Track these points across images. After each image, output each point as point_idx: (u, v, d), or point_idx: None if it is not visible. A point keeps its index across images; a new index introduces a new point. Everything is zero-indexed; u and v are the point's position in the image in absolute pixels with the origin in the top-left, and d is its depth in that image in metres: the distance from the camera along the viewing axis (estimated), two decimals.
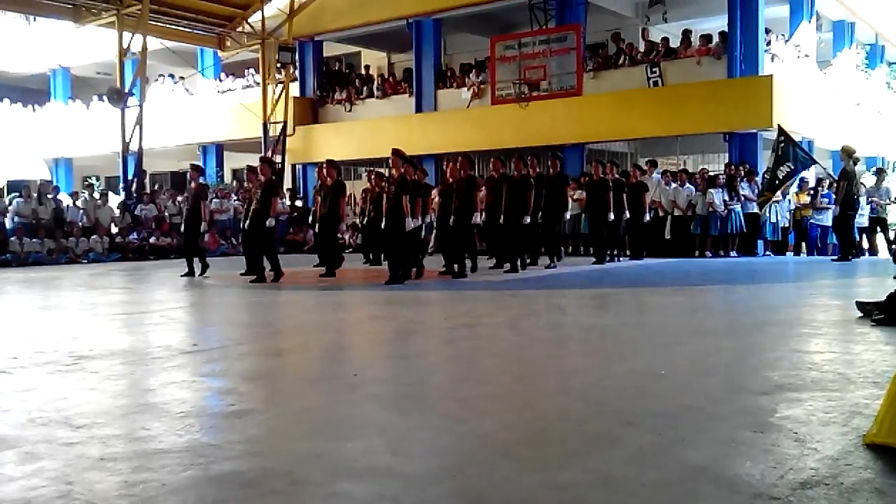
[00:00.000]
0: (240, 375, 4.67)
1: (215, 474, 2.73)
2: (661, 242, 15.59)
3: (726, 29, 16.89)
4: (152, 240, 18.03)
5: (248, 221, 10.99)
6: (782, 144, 14.25)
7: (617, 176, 13.79)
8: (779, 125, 14.57)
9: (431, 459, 2.90)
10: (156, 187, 23.21)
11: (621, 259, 14.15)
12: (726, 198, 15.18)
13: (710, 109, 16.24)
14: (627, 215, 13.77)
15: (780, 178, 14.26)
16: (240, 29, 23.16)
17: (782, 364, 4.53)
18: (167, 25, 22.11)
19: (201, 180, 12.64)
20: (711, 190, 15.21)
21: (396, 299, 8.69)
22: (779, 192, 14.75)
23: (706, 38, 17.39)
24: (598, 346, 5.46)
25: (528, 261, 12.59)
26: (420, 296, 9.16)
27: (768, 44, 17.14)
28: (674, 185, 15.77)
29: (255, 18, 22.67)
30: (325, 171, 11.91)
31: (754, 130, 16.45)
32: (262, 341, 6.13)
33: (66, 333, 6.36)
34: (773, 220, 15.33)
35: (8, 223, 17.04)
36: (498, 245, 12.87)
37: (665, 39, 18.07)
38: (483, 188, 12.65)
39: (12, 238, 16.40)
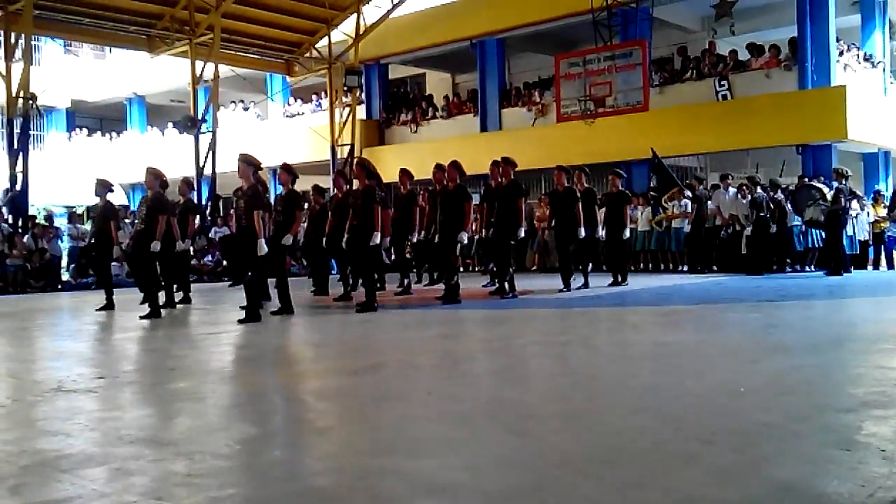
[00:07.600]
0: (317, 393, 4.75)
1: (299, 489, 2.79)
2: (737, 258, 15.27)
3: (796, 38, 16.60)
4: (226, 262, 18.43)
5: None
6: (656, 162, 15.71)
7: (587, 185, 11.74)
8: (651, 149, 15.73)
9: (509, 477, 2.90)
10: (230, 211, 23.73)
11: (588, 286, 11.59)
12: None
13: (782, 122, 15.95)
14: (601, 232, 11.90)
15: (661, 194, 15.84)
16: (307, 54, 23.66)
17: (866, 380, 4.41)
18: (237, 53, 22.73)
19: (109, 196, 11.07)
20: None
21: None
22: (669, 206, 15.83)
23: (776, 50, 17.11)
24: (673, 363, 5.38)
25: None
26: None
27: (840, 54, 16.77)
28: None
29: (322, 44, 23.16)
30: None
31: (828, 143, 16.08)
32: (335, 360, 6.21)
33: (149, 353, 6.55)
34: (851, 233, 14.91)
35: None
36: (435, 265, 11.17)
37: (733, 52, 17.83)
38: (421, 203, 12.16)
39: None
